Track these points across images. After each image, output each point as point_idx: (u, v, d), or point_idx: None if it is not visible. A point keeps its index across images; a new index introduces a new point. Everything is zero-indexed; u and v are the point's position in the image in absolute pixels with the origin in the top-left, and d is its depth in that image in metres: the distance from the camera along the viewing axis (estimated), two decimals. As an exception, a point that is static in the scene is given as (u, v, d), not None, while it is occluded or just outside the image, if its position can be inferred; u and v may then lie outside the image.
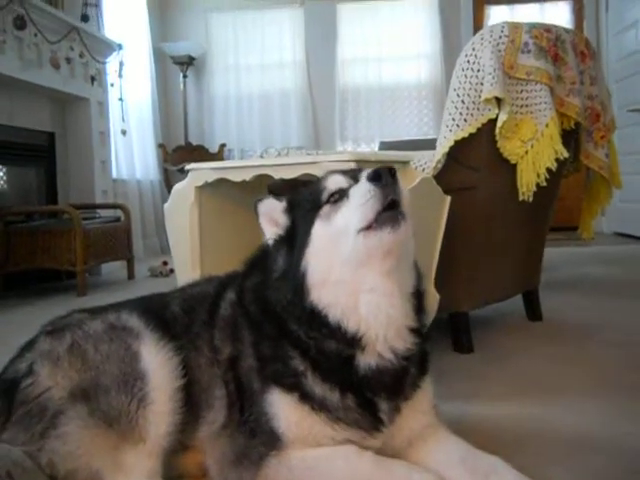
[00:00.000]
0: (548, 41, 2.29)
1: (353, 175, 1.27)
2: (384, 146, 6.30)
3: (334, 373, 1.23)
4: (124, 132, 6.13)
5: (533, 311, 2.85)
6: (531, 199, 2.27)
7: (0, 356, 1.48)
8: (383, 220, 1.15)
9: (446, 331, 2.41)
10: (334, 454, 1.23)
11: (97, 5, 5.66)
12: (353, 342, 1.21)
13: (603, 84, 2.63)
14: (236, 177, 2.01)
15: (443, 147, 2.22)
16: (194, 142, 7.51)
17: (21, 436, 1.27)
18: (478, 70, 2.19)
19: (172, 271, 4.81)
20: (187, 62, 7.45)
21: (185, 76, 7.54)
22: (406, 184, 1.86)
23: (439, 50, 7.38)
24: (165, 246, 6.77)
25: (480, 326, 2.67)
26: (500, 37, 2.23)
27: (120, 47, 5.81)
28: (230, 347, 1.36)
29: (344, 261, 1.19)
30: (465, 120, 2.20)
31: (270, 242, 1.33)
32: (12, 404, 1.29)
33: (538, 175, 2.22)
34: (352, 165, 1.74)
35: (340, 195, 1.22)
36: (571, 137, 2.50)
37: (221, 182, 2.05)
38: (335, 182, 1.26)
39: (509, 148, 2.23)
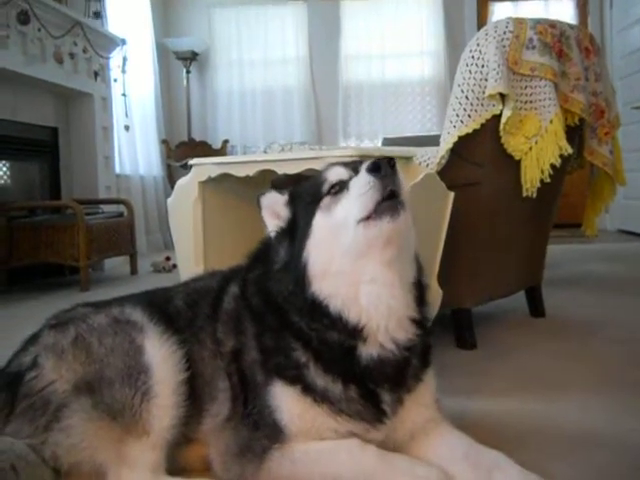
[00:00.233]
0: (553, 37, 2.29)
1: (354, 167, 1.27)
2: (387, 142, 6.30)
3: (336, 364, 1.24)
4: (127, 128, 6.14)
5: (536, 307, 2.85)
6: (535, 195, 2.27)
7: (4, 350, 1.48)
8: (382, 210, 1.16)
9: (449, 327, 2.41)
10: (337, 447, 1.23)
11: (101, 0, 5.66)
12: (354, 333, 1.22)
13: (607, 80, 2.62)
14: (239, 172, 2.01)
15: (447, 143, 2.21)
16: (197, 138, 7.52)
17: (25, 429, 1.28)
18: (482, 66, 2.19)
19: (175, 266, 4.81)
20: (190, 58, 7.45)
21: (188, 72, 7.54)
22: (410, 180, 1.87)
23: (443, 47, 7.36)
24: (168, 242, 6.78)
25: (483, 322, 2.67)
26: (505, 33, 2.22)
27: (123, 42, 5.81)
28: (233, 340, 1.36)
29: (344, 252, 1.20)
30: (469, 116, 2.20)
31: (272, 234, 1.33)
32: (16, 397, 1.30)
33: (542, 171, 2.22)
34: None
35: (340, 187, 1.23)
36: (575, 133, 2.50)
37: (224, 177, 2.05)
38: (335, 174, 1.26)
39: (513, 144, 2.23)
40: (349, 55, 7.57)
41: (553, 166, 2.21)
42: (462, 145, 2.22)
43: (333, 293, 1.22)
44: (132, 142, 6.58)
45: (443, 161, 2.23)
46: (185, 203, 2.12)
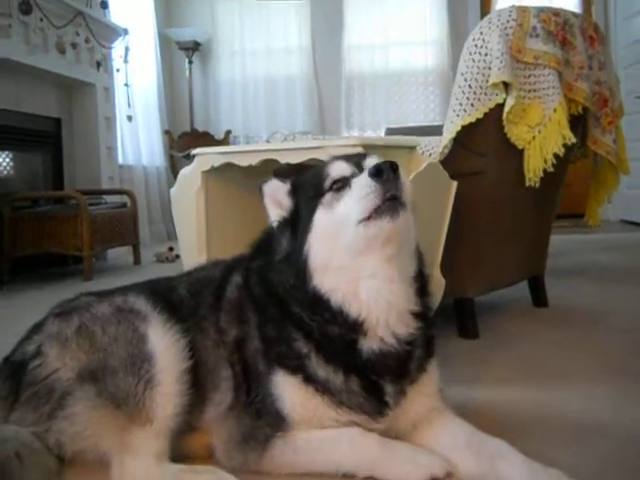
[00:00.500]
0: (556, 25, 2.27)
1: (357, 161, 1.28)
2: (390, 132, 6.28)
3: (337, 356, 1.24)
4: (130, 118, 6.14)
5: (539, 297, 2.85)
6: (538, 185, 2.26)
7: (8, 339, 1.49)
8: (382, 210, 1.16)
9: (451, 317, 2.42)
10: (339, 436, 1.24)
11: (103, -10, 5.65)
12: (355, 327, 1.23)
13: (612, 69, 2.61)
14: (242, 162, 2.00)
15: (450, 132, 2.21)
16: (200, 128, 7.50)
17: (29, 417, 1.29)
18: (486, 54, 2.18)
19: (178, 257, 4.82)
20: (193, 48, 7.42)
21: (191, 62, 7.52)
22: (412, 169, 1.87)
23: (446, 36, 7.32)
24: (171, 232, 6.78)
25: (486, 312, 2.67)
26: (508, 21, 2.21)
27: (126, 32, 5.80)
28: (236, 329, 1.37)
29: (345, 249, 1.21)
30: (472, 105, 2.19)
31: (274, 224, 1.33)
32: (20, 385, 1.31)
33: (545, 161, 2.21)
34: (359, 150, 1.73)
35: (342, 183, 1.23)
36: (579, 122, 2.48)
37: (227, 167, 2.05)
38: (338, 169, 1.26)
39: (516, 133, 2.22)
40: (352, 45, 7.54)
41: (556, 155, 2.20)
42: (465, 134, 2.21)
43: (334, 287, 1.23)
44: (135, 132, 6.58)
45: (446, 150, 2.22)
46: (188, 193, 2.11)
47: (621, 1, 6.75)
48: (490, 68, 2.17)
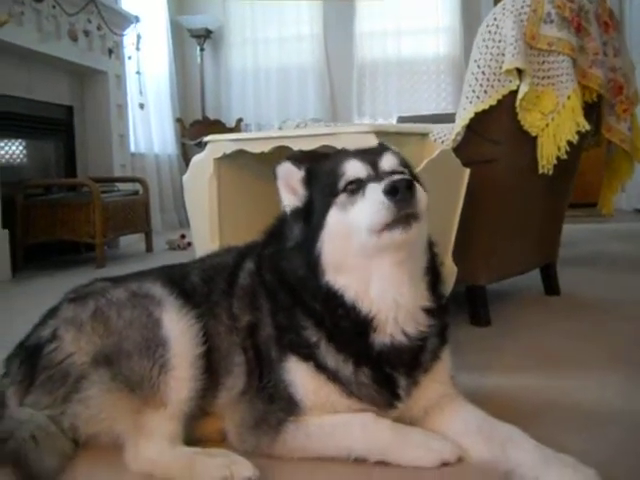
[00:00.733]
0: (571, 11, 2.25)
1: (372, 161, 1.26)
2: (402, 121, 6.25)
3: (348, 346, 1.25)
4: (142, 106, 6.14)
5: (551, 286, 2.84)
6: (551, 172, 2.24)
7: (20, 325, 1.50)
8: (395, 222, 1.15)
9: (463, 304, 2.41)
10: (351, 421, 1.25)
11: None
12: (365, 322, 1.23)
13: (627, 56, 2.58)
14: (255, 148, 2.01)
15: (463, 119, 2.20)
16: (211, 116, 7.50)
17: (44, 400, 1.31)
18: (499, 40, 2.16)
19: (190, 244, 4.84)
20: (204, 35, 7.42)
21: (202, 49, 7.51)
22: (425, 156, 1.86)
23: (458, 23, 7.26)
24: (183, 220, 6.81)
25: (497, 300, 2.67)
26: (522, 7, 2.19)
27: (137, 20, 5.80)
28: (249, 315, 1.38)
29: (355, 252, 1.21)
30: (485, 92, 2.17)
31: (287, 209, 1.33)
32: (35, 369, 1.33)
33: (559, 148, 2.19)
34: (372, 137, 1.73)
35: (357, 186, 1.22)
36: (593, 110, 2.46)
37: (240, 154, 2.05)
38: (353, 169, 1.25)
39: (530, 120, 2.20)
40: (364, 32, 7.49)
41: (570, 143, 2.18)
42: (478, 122, 2.20)
43: (347, 285, 1.24)
44: (147, 120, 6.59)
45: (459, 137, 2.21)
46: (200, 180, 2.12)
47: (636, -13, 6.66)
48: (504, 55, 2.15)
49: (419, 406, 1.32)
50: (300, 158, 1.37)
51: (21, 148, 4.87)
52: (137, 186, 5.28)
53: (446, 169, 1.99)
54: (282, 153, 2.04)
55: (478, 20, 4.05)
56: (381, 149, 1.33)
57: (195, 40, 7.48)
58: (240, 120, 7.42)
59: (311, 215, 1.28)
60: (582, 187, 3.91)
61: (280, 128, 2.61)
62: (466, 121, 2.19)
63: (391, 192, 1.14)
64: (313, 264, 1.25)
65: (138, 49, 5.86)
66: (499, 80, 2.17)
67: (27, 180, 4.63)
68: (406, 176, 1.18)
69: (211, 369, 1.35)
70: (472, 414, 1.31)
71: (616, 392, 1.66)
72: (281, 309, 1.32)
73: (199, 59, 7.53)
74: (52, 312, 1.42)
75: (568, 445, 1.24)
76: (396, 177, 1.16)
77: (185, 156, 6.98)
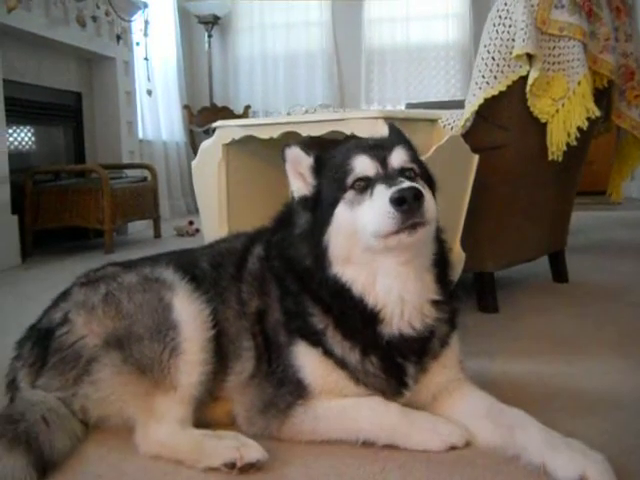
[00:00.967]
0: (582, -4, 2.23)
1: (381, 157, 1.25)
2: (410, 107, 6.22)
3: (355, 334, 1.26)
4: (150, 92, 6.13)
5: (559, 273, 2.84)
6: (560, 159, 2.23)
7: (30, 310, 1.51)
8: (401, 229, 1.15)
9: (471, 290, 2.42)
10: (359, 405, 1.26)
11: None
12: (372, 314, 1.24)
13: (638, 41, 2.56)
14: (263, 134, 2.01)
15: (472, 105, 2.19)
16: (219, 103, 7.49)
17: (55, 382, 1.32)
18: (510, 25, 2.14)
19: (198, 230, 4.85)
20: (212, 22, 7.38)
21: (210, 36, 7.48)
22: (434, 142, 1.86)
23: (468, 9, 7.21)
24: (190, 207, 6.82)
25: (505, 286, 2.67)
26: (533, -8, 2.17)
27: (145, 5, 5.78)
28: (257, 300, 1.38)
29: (362, 250, 1.22)
30: (495, 77, 2.16)
31: (295, 195, 1.34)
32: (47, 352, 1.34)
33: (569, 134, 2.18)
34: (380, 123, 1.73)
35: (365, 184, 1.22)
36: (603, 96, 2.45)
37: (248, 140, 2.05)
38: (362, 166, 1.24)
39: (539, 106, 2.19)
40: (373, 19, 7.45)
41: (580, 129, 2.17)
42: (488, 108, 2.19)
43: (355, 278, 1.24)
44: (154, 107, 6.59)
45: (468, 123, 2.20)
46: (209, 165, 2.13)
47: (648, -28, 6.57)
48: (514, 40, 2.14)
49: (428, 391, 1.33)
50: (308, 146, 1.36)
51: (30, 134, 4.88)
52: (145, 173, 5.29)
53: (455, 155, 1.99)
54: (290, 139, 2.04)
55: (488, 6, 4.02)
56: (391, 142, 1.31)
57: (203, 26, 7.45)
58: (248, 107, 7.41)
59: (319, 206, 1.28)
60: (590, 176, 3.90)
61: (289, 114, 2.61)
62: (476, 107, 2.18)
63: (398, 202, 1.13)
64: (320, 256, 1.26)
65: (146, 35, 5.84)
66: (509, 66, 2.16)
67: (36, 166, 4.64)
68: (414, 184, 1.16)
69: (220, 353, 1.36)
70: (480, 399, 1.32)
71: (623, 378, 1.67)
72: (289, 295, 1.32)
73: (207, 45, 7.51)
74: (63, 296, 1.43)
75: (574, 429, 1.25)
76: (404, 185, 1.14)
77: (193, 143, 6.97)
